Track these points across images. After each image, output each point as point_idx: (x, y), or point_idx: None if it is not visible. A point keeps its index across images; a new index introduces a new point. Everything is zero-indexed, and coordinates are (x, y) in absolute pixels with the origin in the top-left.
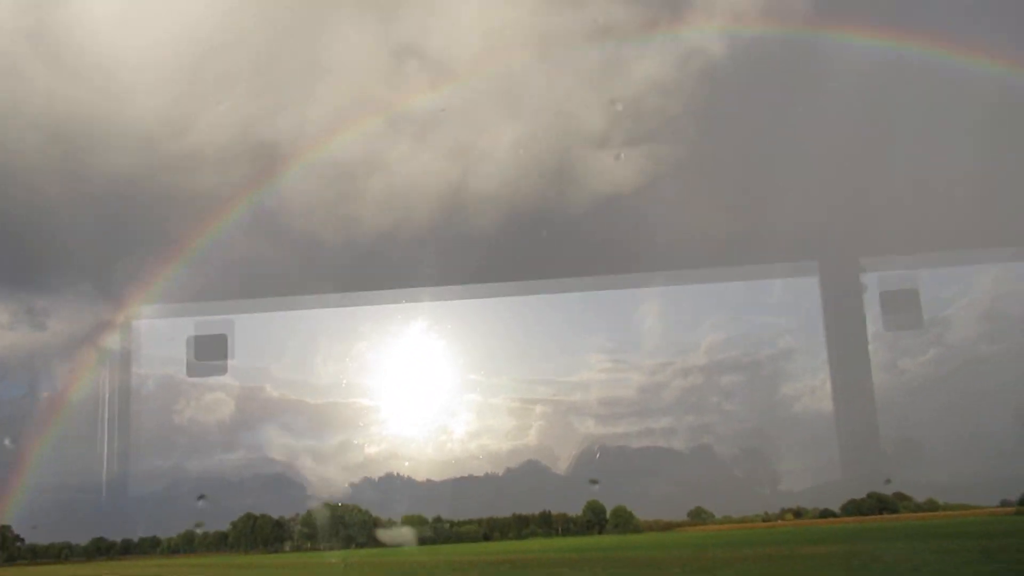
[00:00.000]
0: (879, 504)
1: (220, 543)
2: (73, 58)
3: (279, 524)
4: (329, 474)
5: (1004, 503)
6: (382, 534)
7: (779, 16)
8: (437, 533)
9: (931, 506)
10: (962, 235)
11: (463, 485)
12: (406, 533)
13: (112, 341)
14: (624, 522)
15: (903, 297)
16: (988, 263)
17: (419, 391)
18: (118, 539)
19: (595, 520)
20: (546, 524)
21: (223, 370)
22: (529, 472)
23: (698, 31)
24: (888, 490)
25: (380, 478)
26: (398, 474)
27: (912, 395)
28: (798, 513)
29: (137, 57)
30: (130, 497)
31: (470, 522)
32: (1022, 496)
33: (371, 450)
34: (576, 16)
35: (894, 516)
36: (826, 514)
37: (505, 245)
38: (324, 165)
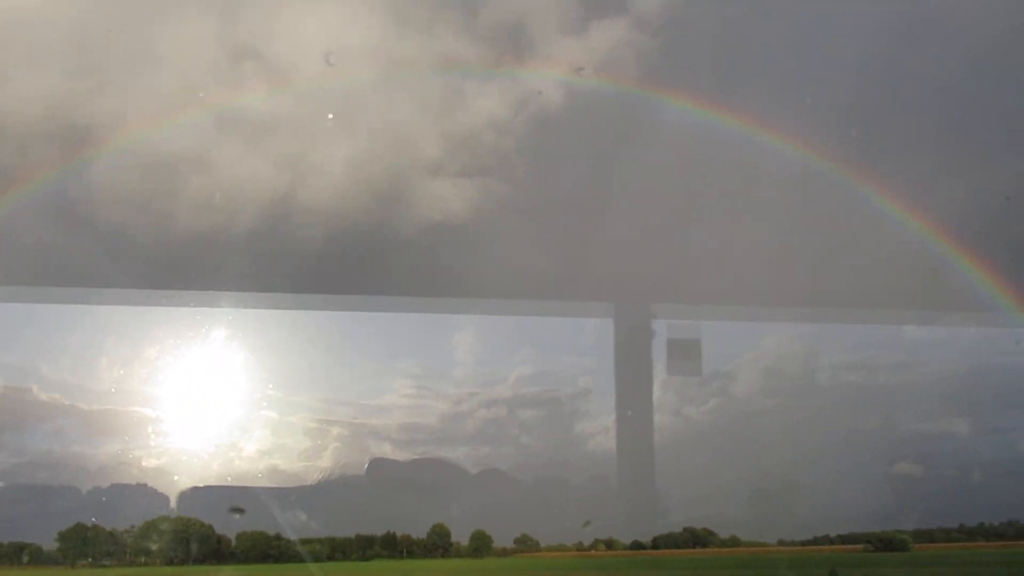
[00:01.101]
0: (693, 538)
1: (14, 556)
2: None
3: (112, 536)
4: (101, 485)
5: (781, 542)
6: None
7: (613, 73)
8: (281, 552)
9: (734, 542)
10: (750, 296)
11: (247, 497)
12: None
13: None
14: (483, 546)
15: (687, 346)
16: (771, 322)
17: (211, 403)
18: None
19: (440, 543)
20: (390, 546)
21: None
22: (322, 492)
23: (538, 75)
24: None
25: (163, 491)
26: (180, 489)
27: (694, 440)
28: (609, 544)
29: None
30: None
31: (312, 541)
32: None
33: (148, 463)
34: (423, 45)
35: (703, 550)
36: (636, 546)
37: (325, 259)
38: (141, 157)
